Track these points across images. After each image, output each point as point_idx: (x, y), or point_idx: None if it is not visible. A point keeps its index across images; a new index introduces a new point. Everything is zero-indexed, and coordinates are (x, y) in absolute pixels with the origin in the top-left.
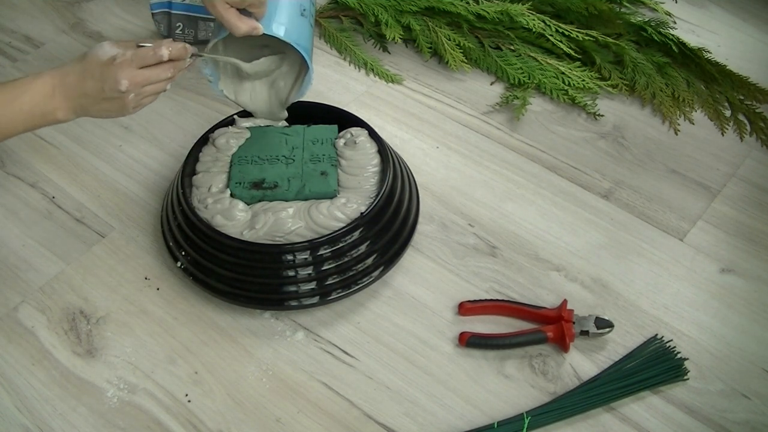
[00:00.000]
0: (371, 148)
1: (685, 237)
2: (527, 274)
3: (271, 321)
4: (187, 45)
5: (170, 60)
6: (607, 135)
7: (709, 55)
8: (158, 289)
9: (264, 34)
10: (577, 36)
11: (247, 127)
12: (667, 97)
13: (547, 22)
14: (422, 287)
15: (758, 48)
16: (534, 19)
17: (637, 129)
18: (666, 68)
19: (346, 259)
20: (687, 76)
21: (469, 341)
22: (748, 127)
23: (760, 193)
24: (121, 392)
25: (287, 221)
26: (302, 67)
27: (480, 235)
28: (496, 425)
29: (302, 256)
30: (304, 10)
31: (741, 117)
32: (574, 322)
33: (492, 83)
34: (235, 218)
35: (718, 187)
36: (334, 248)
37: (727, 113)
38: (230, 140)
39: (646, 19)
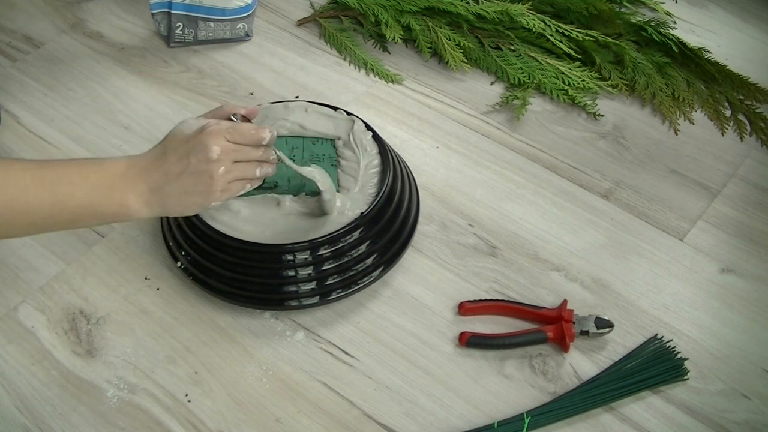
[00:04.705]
0: (372, 148)
1: (685, 237)
2: (527, 274)
3: (271, 321)
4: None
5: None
6: (607, 135)
7: (709, 55)
8: (158, 289)
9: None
10: (577, 36)
11: None
12: (667, 97)
13: (547, 22)
14: (422, 287)
15: (758, 48)
16: (534, 19)
17: (637, 129)
18: (666, 68)
19: (346, 259)
20: (687, 76)
21: (469, 341)
22: (748, 127)
23: (760, 193)
24: (121, 392)
25: None
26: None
27: (480, 235)
28: (496, 425)
29: (302, 256)
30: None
31: (741, 117)
32: (574, 322)
33: (492, 83)
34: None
35: (718, 187)
36: (334, 248)
37: (727, 113)
38: None
39: (646, 19)
